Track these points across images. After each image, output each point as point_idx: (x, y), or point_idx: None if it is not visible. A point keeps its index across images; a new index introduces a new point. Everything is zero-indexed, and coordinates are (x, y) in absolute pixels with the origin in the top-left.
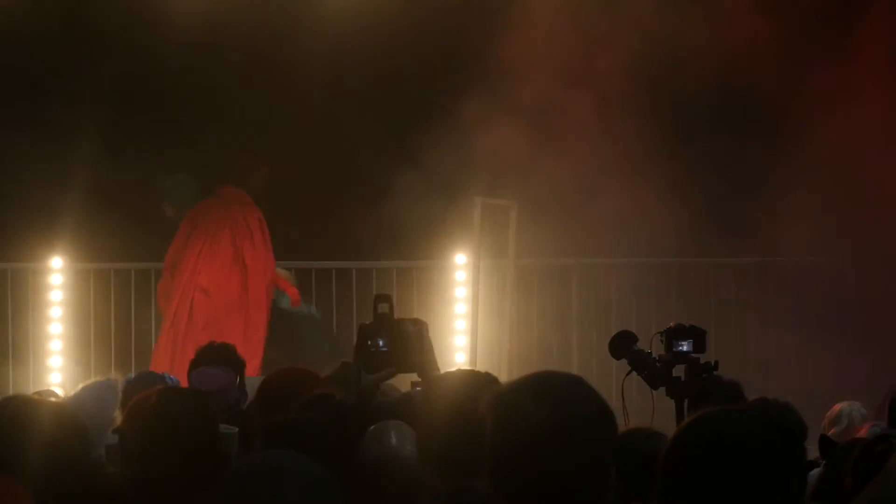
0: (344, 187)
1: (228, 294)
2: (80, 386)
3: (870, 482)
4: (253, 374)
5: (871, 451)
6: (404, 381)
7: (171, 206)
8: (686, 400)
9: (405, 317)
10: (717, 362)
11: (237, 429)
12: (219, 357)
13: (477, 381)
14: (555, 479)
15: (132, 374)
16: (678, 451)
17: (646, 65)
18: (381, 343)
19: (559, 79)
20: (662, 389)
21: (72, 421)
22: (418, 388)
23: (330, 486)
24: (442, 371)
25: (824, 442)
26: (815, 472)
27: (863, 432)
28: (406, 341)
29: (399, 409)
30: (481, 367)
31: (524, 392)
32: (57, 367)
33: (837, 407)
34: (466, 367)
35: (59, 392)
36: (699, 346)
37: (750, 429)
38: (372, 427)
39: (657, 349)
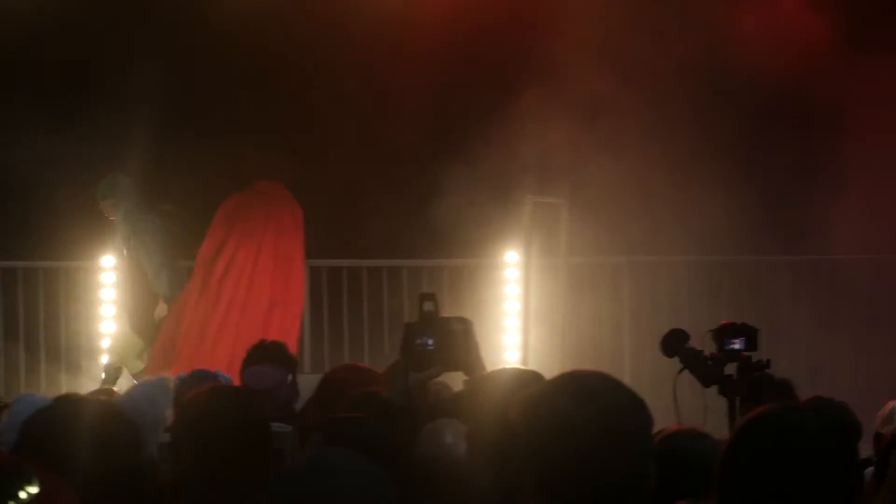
0: (395, 185)
1: (273, 291)
2: (133, 385)
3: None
4: None
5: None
6: (456, 380)
7: (109, 207)
8: (738, 398)
9: (452, 315)
10: (768, 360)
11: (290, 427)
12: (271, 355)
13: (523, 380)
14: (598, 476)
15: (184, 373)
16: (739, 448)
17: (700, 61)
18: (428, 342)
19: (611, 76)
20: (714, 388)
21: (123, 420)
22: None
23: (385, 485)
24: (488, 369)
25: (880, 440)
26: (869, 470)
27: None
28: (452, 339)
29: (453, 407)
30: (533, 366)
31: (560, 392)
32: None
33: (890, 405)
34: (518, 365)
35: (116, 389)
36: (751, 344)
37: (810, 428)
38: (426, 426)
39: (709, 347)
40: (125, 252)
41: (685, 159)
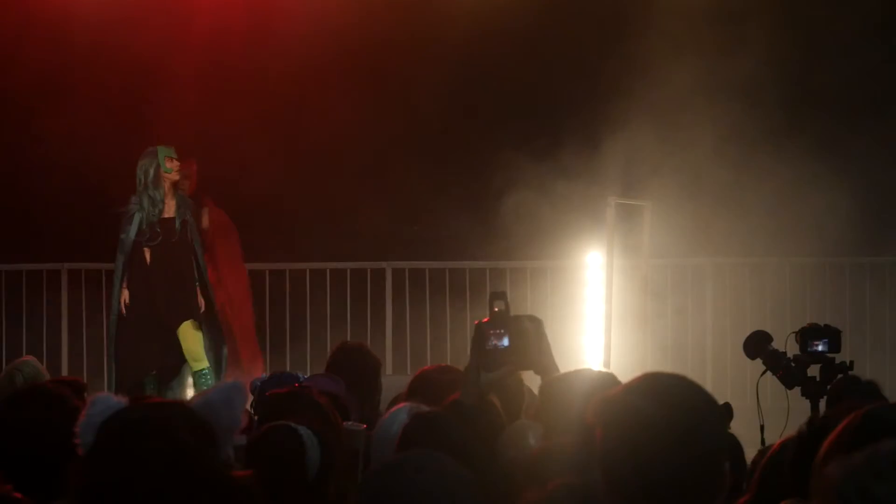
0: (477, 187)
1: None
2: (210, 387)
3: None
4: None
5: None
6: (535, 381)
7: (176, 173)
8: (820, 400)
9: (523, 314)
10: (852, 362)
11: (363, 426)
12: (355, 356)
13: (600, 382)
14: (670, 475)
15: (265, 374)
16: (842, 447)
17: (797, 51)
18: (501, 342)
19: (696, 76)
20: (797, 389)
21: (199, 422)
22: None
23: (470, 486)
24: (559, 368)
25: None
26: None
27: None
28: (524, 338)
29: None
30: (615, 367)
31: (633, 392)
32: None
33: None
34: (601, 366)
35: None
36: (834, 345)
37: None
38: (509, 427)
39: (792, 349)
40: (178, 227)
41: (769, 161)
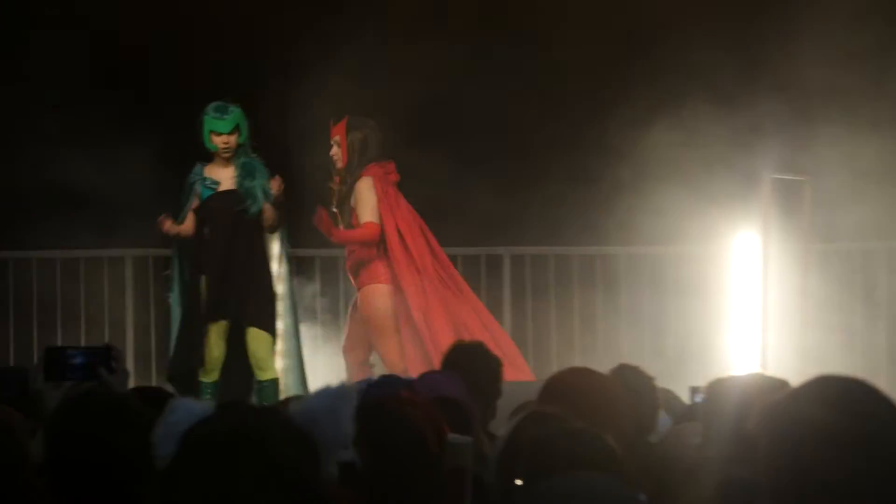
0: (617, 168)
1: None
2: (311, 393)
3: None
4: None
5: None
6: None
7: (235, 141)
8: None
9: None
10: None
11: (470, 438)
12: (473, 357)
13: (766, 386)
14: (845, 491)
15: (372, 378)
16: None
17: None
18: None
19: (865, 40)
20: None
21: (299, 434)
22: (698, 396)
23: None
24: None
25: None
26: None
27: None
28: None
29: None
30: (772, 366)
31: (802, 398)
32: None
33: None
34: (759, 369)
35: None
36: None
37: None
38: (673, 428)
39: None
40: (238, 202)
41: None
